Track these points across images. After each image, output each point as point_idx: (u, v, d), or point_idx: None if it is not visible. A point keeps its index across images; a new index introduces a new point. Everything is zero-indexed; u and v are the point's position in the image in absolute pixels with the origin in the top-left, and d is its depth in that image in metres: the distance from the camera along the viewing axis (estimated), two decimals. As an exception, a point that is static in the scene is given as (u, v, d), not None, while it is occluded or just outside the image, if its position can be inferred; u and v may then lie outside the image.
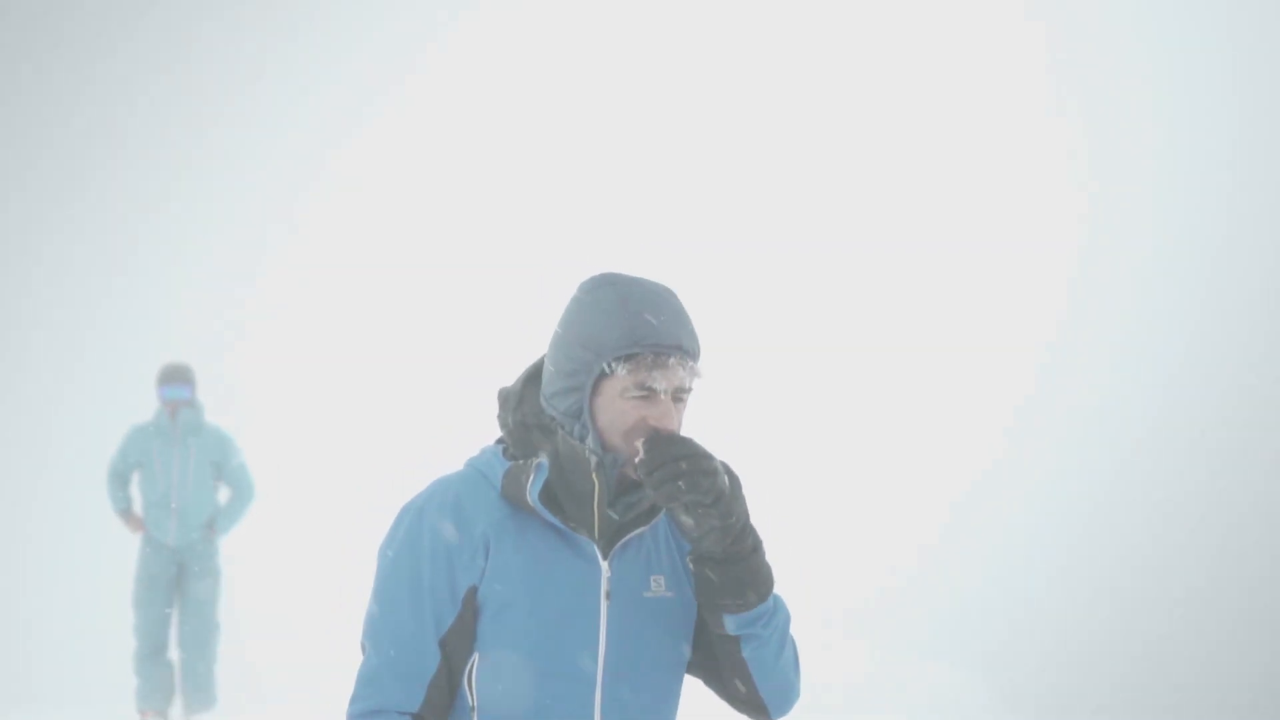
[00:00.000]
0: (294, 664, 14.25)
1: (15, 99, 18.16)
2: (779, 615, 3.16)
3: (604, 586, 3.12)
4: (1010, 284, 17.25)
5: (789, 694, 3.22)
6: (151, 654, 11.42)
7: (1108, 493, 15.94)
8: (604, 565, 3.13)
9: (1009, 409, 16.81)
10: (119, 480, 11.46)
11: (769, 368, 16.97)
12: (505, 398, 3.22)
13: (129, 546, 11.86)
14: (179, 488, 11.37)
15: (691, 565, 3.13)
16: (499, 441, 3.23)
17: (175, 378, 11.40)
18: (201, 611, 11.45)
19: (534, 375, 3.21)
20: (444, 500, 3.13)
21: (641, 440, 3.06)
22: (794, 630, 3.24)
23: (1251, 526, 15.32)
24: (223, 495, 11.63)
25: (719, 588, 3.09)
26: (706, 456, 3.04)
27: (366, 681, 3.11)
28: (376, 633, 3.12)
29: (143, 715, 11.47)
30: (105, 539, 13.76)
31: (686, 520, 3.06)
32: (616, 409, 3.09)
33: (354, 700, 3.12)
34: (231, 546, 12.00)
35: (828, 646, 13.90)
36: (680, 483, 3.01)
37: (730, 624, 3.12)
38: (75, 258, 18.26)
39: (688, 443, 3.05)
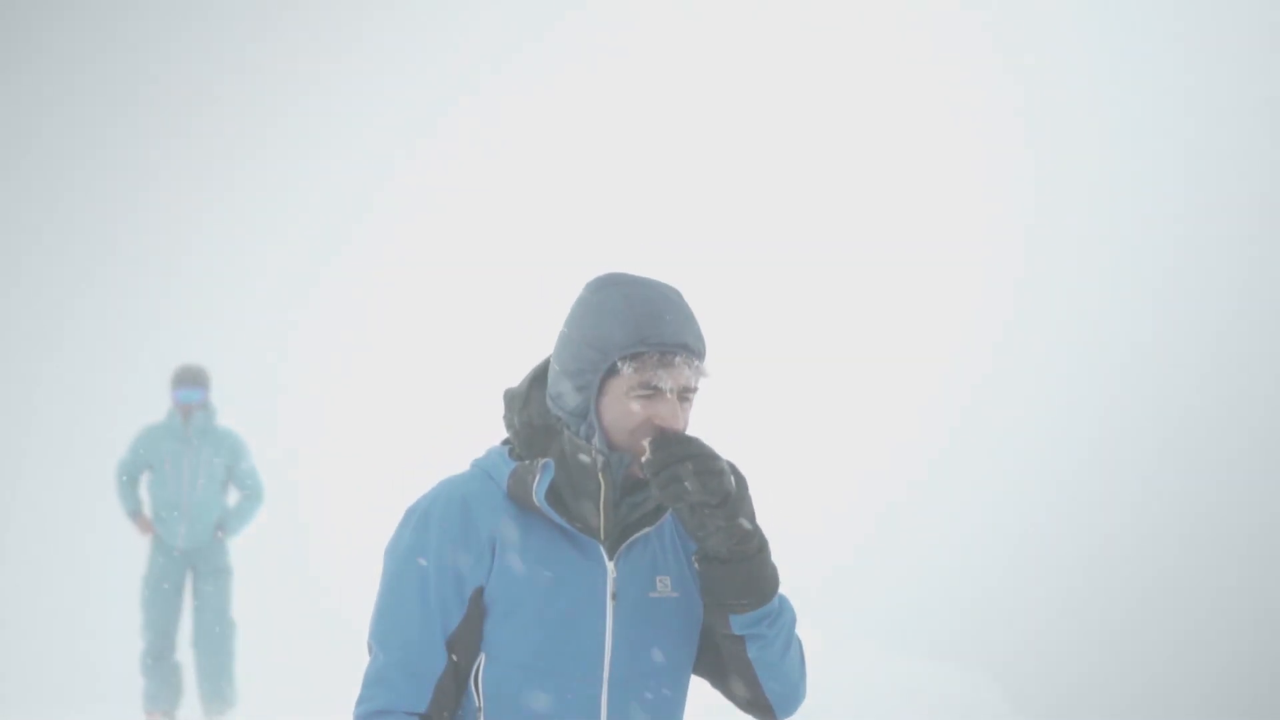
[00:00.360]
0: (310, 665, 14.21)
1: (70, 91, 18.21)
2: (784, 616, 3.14)
3: (610, 587, 3.11)
4: (965, 288, 17.33)
5: (794, 695, 3.20)
6: (159, 655, 11.34)
7: (1083, 486, 16.00)
8: (610, 566, 3.11)
9: (968, 406, 16.88)
10: (129, 481, 11.34)
11: (745, 376, 17.02)
12: (511, 398, 3.20)
13: (138, 546, 11.78)
14: (189, 490, 11.27)
15: (697, 564, 3.11)
16: (505, 442, 3.22)
17: (190, 380, 11.29)
18: (215, 611, 11.34)
19: (539, 376, 3.20)
20: (450, 501, 3.11)
21: (648, 439, 3.04)
22: (801, 633, 3.22)
23: (1232, 520, 15.34)
24: (232, 498, 11.55)
25: (724, 588, 3.07)
26: (713, 457, 3.02)
27: (373, 682, 3.09)
28: (383, 633, 3.10)
29: (149, 716, 11.40)
30: (115, 539, 13.73)
31: (692, 520, 3.05)
32: (622, 408, 3.07)
33: (360, 701, 3.10)
34: (243, 547, 11.91)
35: (833, 647, 13.88)
36: (686, 483, 2.99)
37: (735, 624, 3.10)
38: (81, 263, 18.30)
39: (694, 442, 3.03)
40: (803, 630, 3.25)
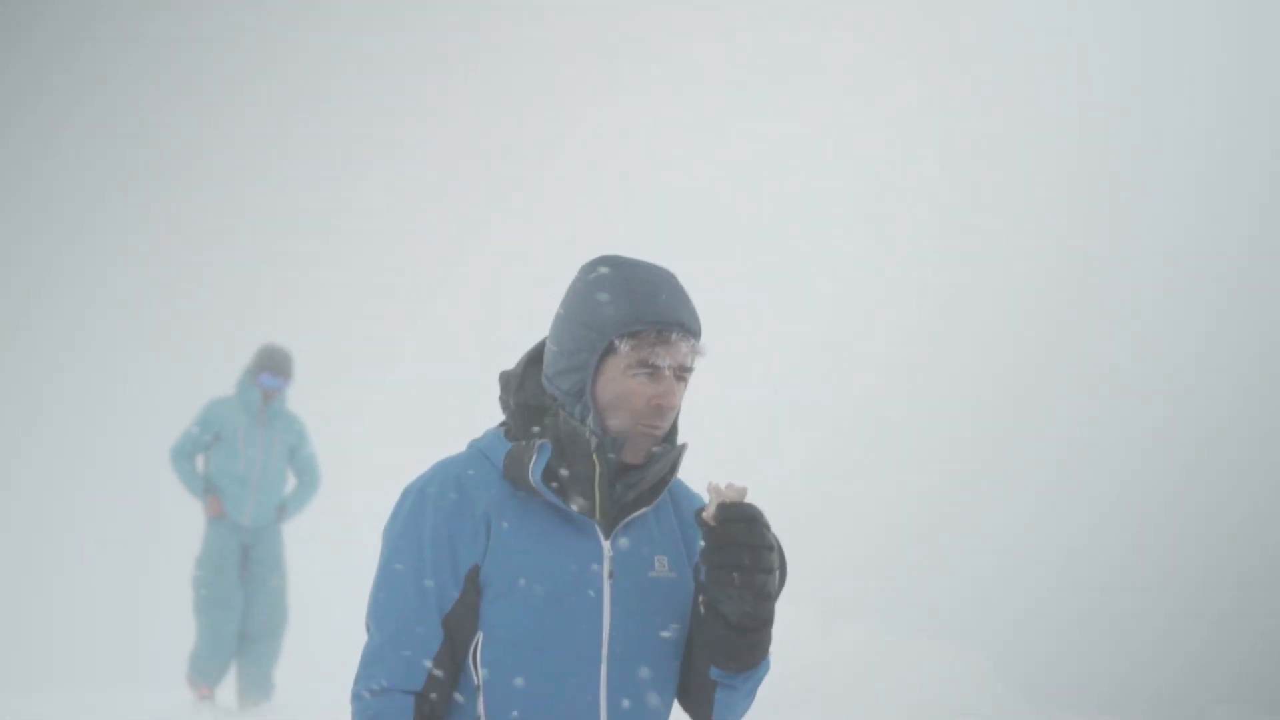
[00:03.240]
0: (347, 658, 14.04)
1: (107, 89, 18.25)
2: (759, 673, 3.13)
3: (607, 566, 3.06)
4: (971, 291, 17.32)
5: None
6: (221, 631, 10.79)
7: (1072, 471, 16.00)
8: (606, 545, 3.07)
9: (967, 399, 16.87)
10: (189, 457, 10.81)
11: (770, 358, 17.00)
12: (506, 380, 3.17)
13: (185, 524, 11.50)
14: (262, 468, 10.92)
15: (702, 608, 3.06)
16: (501, 424, 3.17)
17: (280, 369, 10.86)
18: (274, 597, 10.93)
19: (535, 358, 3.17)
20: (446, 480, 3.07)
21: (715, 503, 2.96)
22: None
23: (1249, 518, 15.33)
24: (289, 482, 11.24)
25: (718, 645, 3.05)
26: (769, 549, 2.97)
27: (371, 661, 3.05)
28: (381, 612, 3.05)
29: (196, 689, 10.84)
30: (163, 516, 13.51)
31: (717, 590, 2.99)
32: (619, 387, 3.03)
33: (358, 679, 3.06)
34: (293, 535, 11.61)
35: (826, 626, 13.86)
36: (735, 574, 2.94)
37: (713, 671, 3.09)
38: (87, 265, 18.32)
39: (757, 528, 2.96)
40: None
